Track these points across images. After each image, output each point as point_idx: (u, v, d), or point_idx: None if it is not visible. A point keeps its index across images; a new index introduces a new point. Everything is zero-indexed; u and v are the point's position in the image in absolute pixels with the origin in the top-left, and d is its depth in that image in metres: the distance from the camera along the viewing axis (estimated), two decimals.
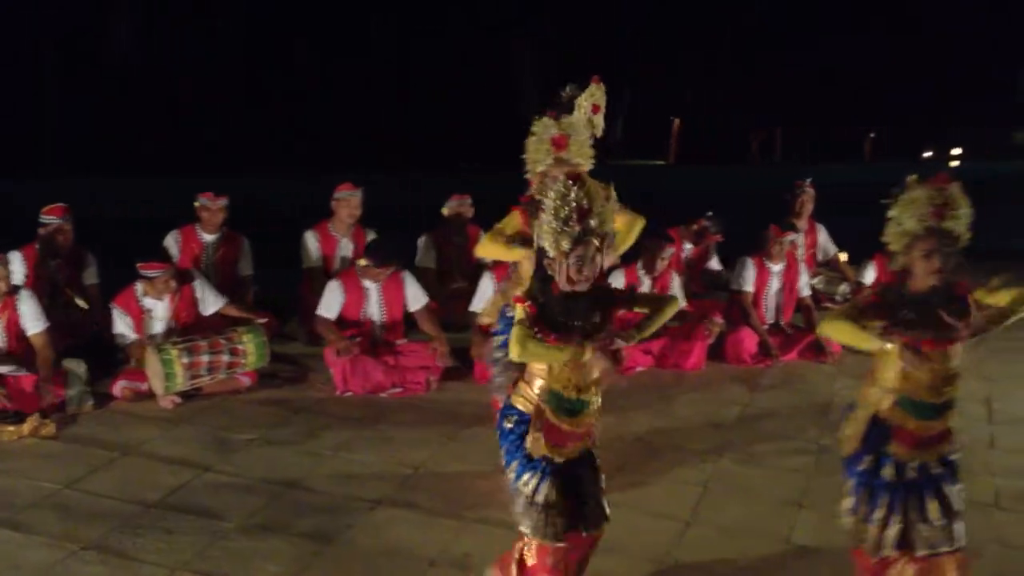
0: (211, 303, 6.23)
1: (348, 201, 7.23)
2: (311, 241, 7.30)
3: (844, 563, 3.67)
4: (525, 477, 3.31)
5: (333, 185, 7.50)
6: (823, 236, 8.68)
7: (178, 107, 27.81)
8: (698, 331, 6.79)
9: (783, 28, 36.84)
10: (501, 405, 3.51)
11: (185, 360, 5.69)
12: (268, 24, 29.70)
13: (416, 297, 6.49)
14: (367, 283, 6.36)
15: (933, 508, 3.41)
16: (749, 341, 6.90)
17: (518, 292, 3.58)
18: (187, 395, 5.83)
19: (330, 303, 6.34)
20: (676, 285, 7.00)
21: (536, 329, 3.10)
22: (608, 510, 3.41)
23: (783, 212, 7.99)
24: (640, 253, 6.80)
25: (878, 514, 3.42)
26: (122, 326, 6.02)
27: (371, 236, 7.12)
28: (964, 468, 4.97)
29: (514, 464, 3.37)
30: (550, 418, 3.27)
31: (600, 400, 3.32)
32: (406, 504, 4.53)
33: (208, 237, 7.20)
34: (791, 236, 7.10)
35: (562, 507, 3.29)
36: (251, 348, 5.97)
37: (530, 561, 3.36)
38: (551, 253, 3.13)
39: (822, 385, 6.48)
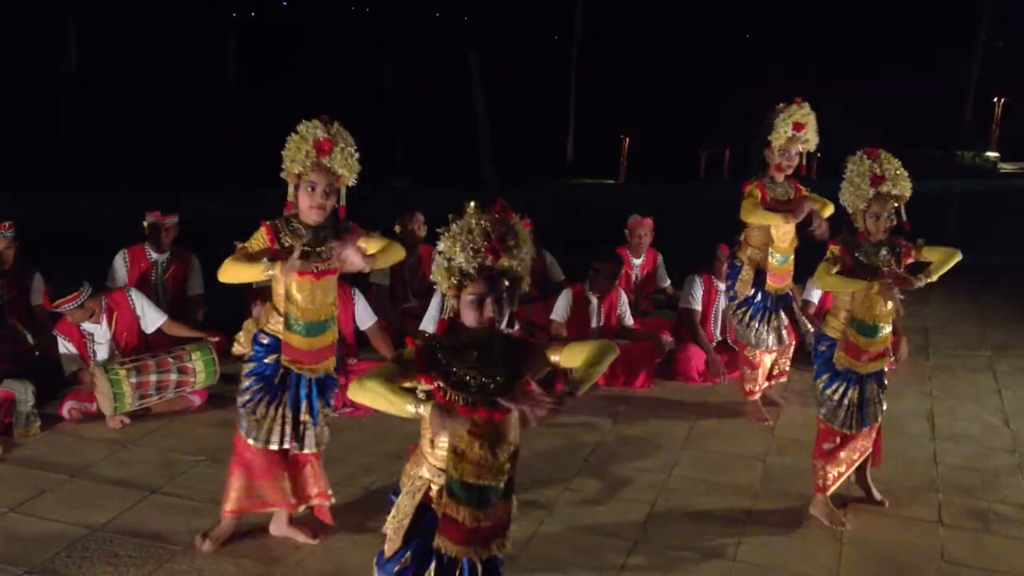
0: (152, 319, 6.16)
1: None
2: None
3: None
4: (834, 385, 4.59)
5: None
6: None
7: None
8: (646, 350, 6.86)
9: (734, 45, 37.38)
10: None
11: (133, 380, 5.65)
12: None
13: (365, 315, 6.49)
14: None
15: None
16: (697, 359, 6.93)
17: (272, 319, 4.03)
18: (136, 415, 5.78)
19: None
20: (624, 304, 7.08)
21: None
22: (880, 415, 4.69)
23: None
24: (589, 275, 6.87)
25: None
26: (67, 351, 5.95)
27: None
28: (908, 485, 5.15)
29: (824, 376, 4.64)
30: (851, 339, 4.50)
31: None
32: (355, 525, 4.53)
33: (157, 256, 7.13)
34: None
35: (855, 406, 4.58)
36: (200, 366, 5.94)
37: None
38: None
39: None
